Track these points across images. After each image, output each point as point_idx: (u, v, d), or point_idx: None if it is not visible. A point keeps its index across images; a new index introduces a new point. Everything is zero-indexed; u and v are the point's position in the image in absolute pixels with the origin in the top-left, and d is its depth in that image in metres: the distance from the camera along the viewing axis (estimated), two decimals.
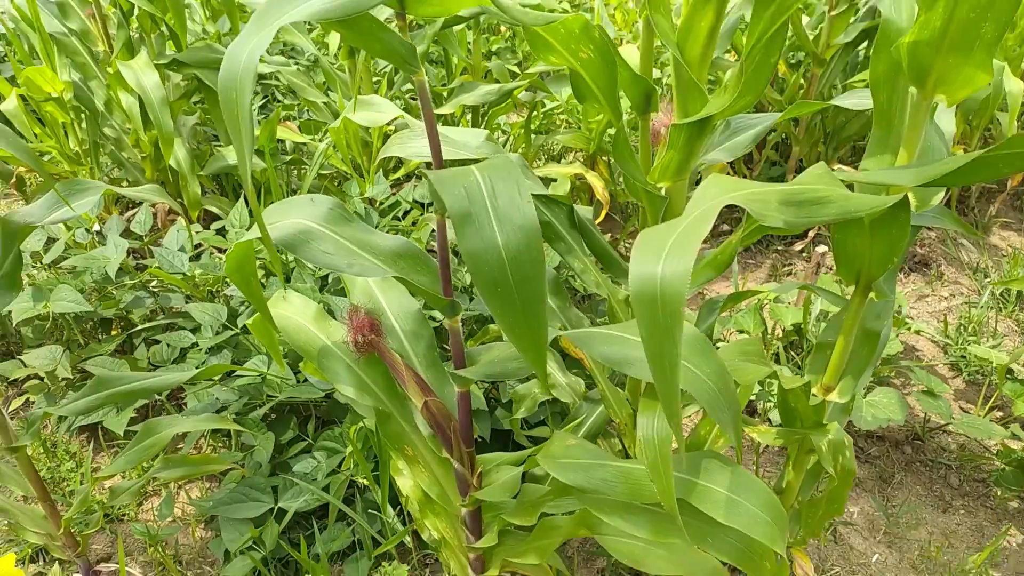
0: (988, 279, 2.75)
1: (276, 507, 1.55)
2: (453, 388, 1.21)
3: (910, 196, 1.10)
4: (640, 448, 0.85)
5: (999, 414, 2.16)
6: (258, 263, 2.03)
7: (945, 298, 2.72)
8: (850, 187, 0.92)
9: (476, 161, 1.27)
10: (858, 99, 1.30)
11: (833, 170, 2.82)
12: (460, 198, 0.76)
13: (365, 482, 1.60)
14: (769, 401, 1.84)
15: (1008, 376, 2.20)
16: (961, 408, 2.20)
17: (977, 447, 2.05)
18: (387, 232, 2.28)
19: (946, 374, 2.35)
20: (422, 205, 2.21)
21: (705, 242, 3.01)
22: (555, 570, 1.46)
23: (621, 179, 2.84)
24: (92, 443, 1.97)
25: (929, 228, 3.04)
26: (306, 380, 1.74)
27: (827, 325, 1.28)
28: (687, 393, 0.88)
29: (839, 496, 1.22)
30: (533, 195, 1.36)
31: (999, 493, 1.91)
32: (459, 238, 0.75)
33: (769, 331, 2.32)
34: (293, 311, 1.32)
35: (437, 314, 1.82)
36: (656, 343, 0.62)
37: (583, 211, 1.41)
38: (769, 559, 0.99)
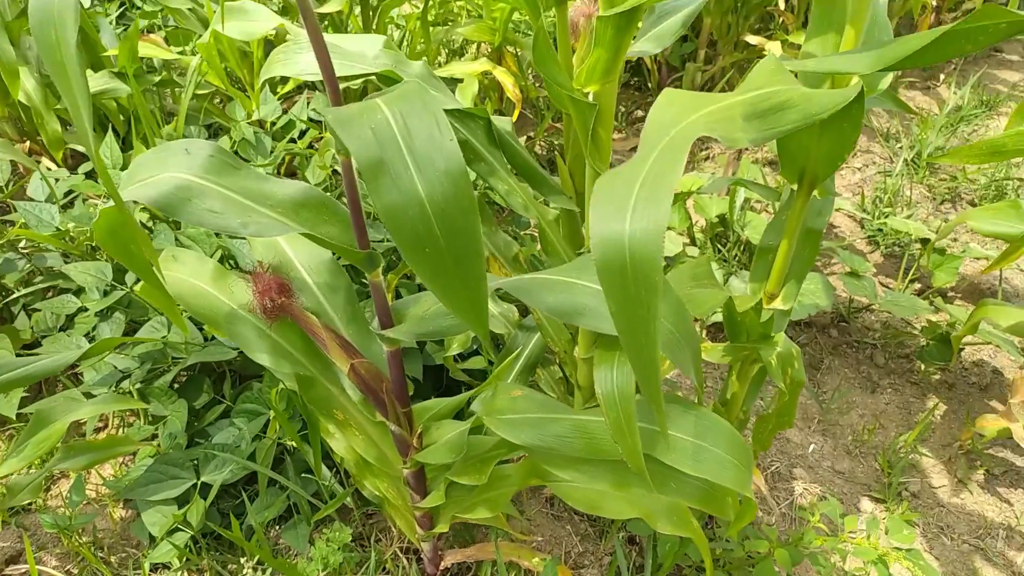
0: (900, 145, 2.77)
1: (199, 482, 1.42)
2: (381, 344, 1.09)
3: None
4: (601, 406, 0.77)
5: (918, 286, 2.20)
6: (140, 209, 1.82)
7: (859, 169, 2.73)
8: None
9: (375, 76, 1.11)
10: None
11: (749, 44, 2.69)
12: (368, 143, 0.62)
13: (294, 444, 1.48)
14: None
15: (925, 245, 2.23)
16: (881, 283, 2.23)
17: (900, 323, 2.09)
18: (283, 158, 2.08)
19: (864, 248, 2.37)
20: (319, 124, 2.00)
21: (619, 132, 2.90)
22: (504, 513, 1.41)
23: (531, 71, 2.68)
24: None
25: None
26: (214, 338, 1.58)
27: (767, 229, 1.22)
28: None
29: (789, 409, 1.19)
30: (445, 111, 1.22)
31: (922, 368, 1.96)
32: (371, 192, 0.62)
33: (694, 224, 2.28)
34: (187, 272, 1.16)
35: None
36: (627, 318, 0.52)
37: (502, 123, 1.27)
38: (732, 495, 0.94)
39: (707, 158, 2.82)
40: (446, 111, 1.20)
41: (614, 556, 1.51)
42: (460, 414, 1.24)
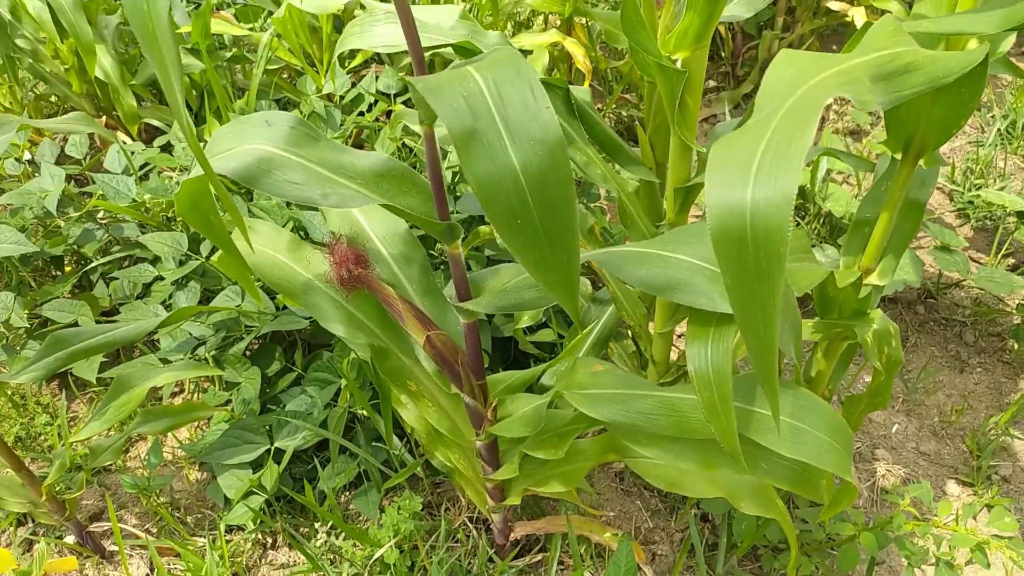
0: (992, 114, 2.60)
1: (273, 447, 1.44)
2: (456, 316, 1.07)
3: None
4: (694, 385, 0.73)
5: (1012, 261, 2.08)
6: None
7: None
8: None
9: (454, 47, 1.08)
10: None
11: (830, 11, 2.56)
12: (460, 112, 0.59)
13: (365, 413, 1.49)
14: None
15: (1020, 219, 2.10)
16: (972, 258, 2.12)
17: (992, 300, 1.98)
18: (352, 131, 2.07)
19: (953, 222, 2.25)
20: (388, 96, 1.98)
21: None
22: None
23: (600, 42, 2.60)
24: (64, 391, 1.84)
25: None
26: (286, 308, 1.59)
27: (864, 200, 1.15)
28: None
29: (884, 389, 1.13)
30: None
31: (1016, 347, 1.86)
32: (464, 163, 0.59)
33: None
34: (263, 242, 1.15)
35: None
36: (744, 293, 0.48)
37: (580, 93, 1.22)
38: (828, 478, 0.89)
39: None
40: None
41: (686, 533, 1.48)
42: (532, 388, 1.22)
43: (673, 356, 1.49)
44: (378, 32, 1.00)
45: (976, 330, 1.92)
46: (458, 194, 1.67)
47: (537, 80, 0.60)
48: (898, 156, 1.02)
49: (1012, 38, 0.90)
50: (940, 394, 1.79)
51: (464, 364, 1.03)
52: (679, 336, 1.95)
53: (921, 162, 1.02)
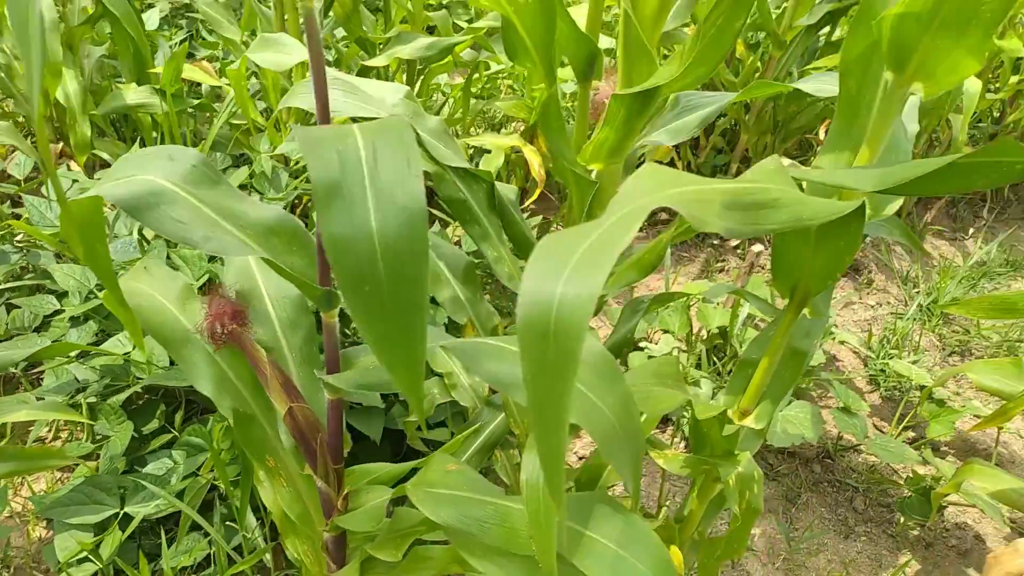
0: (917, 290, 2.73)
1: (121, 512, 1.34)
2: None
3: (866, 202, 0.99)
4: (523, 495, 0.71)
5: (912, 434, 2.12)
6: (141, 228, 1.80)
7: (872, 307, 2.69)
8: (800, 187, 0.80)
9: None
10: (820, 84, 1.14)
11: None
12: (329, 165, 0.59)
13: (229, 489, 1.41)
14: (684, 416, 1.73)
15: (924, 394, 2.17)
16: (875, 425, 2.16)
17: (887, 469, 2.00)
18: (301, 197, 2.07)
19: (864, 387, 2.31)
20: None
21: (641, 231, 2.89)
22: None
23: None
24: None
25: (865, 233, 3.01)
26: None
27: (752, 342, 1.17)
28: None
29: (740, 537, 1.11)
30: (451, 167, 1.18)
31: (902, 520, 1.86)
32: (321, 218, 0.59)
33: (694, 332, 2.23)
34: (155, 287, 1.12)
35: None
36: (540, 388, 0.47)
37: (506, 190, 1.25)
38: None
39: (722, 270, 2.80)
40: (452, 168, 1.19)
41: None
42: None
43: None
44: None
45: (867, 497, 1.93)
46: None
47: (416, 151, 0.61)
48: (785, 300, 1.05)
49: (898, 202, 0.95)
50: (822, 557, 1.77)
51: (323, 444, 0.99)
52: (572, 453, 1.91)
53: (806, 311, 1.05)
